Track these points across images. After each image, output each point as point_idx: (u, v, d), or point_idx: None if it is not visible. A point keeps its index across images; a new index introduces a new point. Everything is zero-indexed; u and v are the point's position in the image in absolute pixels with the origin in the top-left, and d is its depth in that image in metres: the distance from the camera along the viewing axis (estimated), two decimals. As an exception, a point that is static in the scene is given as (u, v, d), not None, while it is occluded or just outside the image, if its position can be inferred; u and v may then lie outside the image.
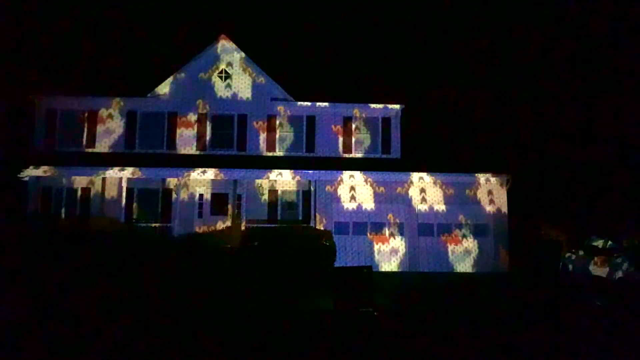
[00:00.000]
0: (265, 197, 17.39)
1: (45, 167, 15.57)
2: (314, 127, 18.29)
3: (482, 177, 16.91)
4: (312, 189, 16.87)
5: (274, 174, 16.23)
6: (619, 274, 12.87)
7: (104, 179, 16.77)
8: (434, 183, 16.86)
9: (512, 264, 16.61)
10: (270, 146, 18.06)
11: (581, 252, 14.71)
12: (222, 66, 18.33)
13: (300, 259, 12.45)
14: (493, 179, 16.95)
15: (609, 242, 14.30)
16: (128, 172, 15.83)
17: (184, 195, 17.13)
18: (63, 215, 16.54)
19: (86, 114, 17.66)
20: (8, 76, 20.08)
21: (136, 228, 16.04)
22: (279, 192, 17.55)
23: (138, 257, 12.39)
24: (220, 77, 18.27)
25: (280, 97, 18.31)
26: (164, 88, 18.04)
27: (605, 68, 23.46)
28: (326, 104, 18.29)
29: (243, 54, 18.33)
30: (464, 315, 9.43)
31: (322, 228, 16.10)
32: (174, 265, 12.35)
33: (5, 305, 9.34)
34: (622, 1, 23.70)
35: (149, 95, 17.90)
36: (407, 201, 16.76)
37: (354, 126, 18.44)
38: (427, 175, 16.74)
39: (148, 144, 17.69)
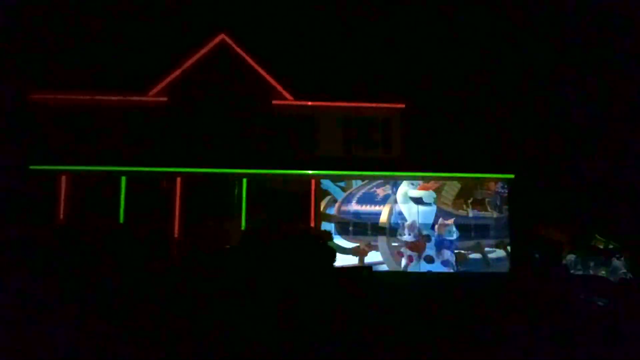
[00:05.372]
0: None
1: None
2: (315, 126, 18.30)
3: (482, 177, 16.91)
4: (312, 188, 16.86)
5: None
6: (619, 274, 12.88)
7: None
8: (435, 183, 16.85)
9: (513, 264, 16.58)
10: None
11: (582, 253, 14.71)
12: (221, 65, 18.19)
13: (300, 259, 12.41)
14: (493, 179, 16.95)
15: (610, 242, 14.31)
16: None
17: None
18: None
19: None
20: None
21: None
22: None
23: None
24: (219, 76, 18.14)
25: (280, 96, 18.27)
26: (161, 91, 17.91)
27: (606, 68, 23.46)
28: (326, 103, 18.29)
29: (243, 53, 18.26)
30: (464, 315, 9.42)
31: (322, 228, 16.11)
32: None
33: None
34: (624, 3, 23.67)
35: (150, 95, 17.81)
36: (408, 201, 16.75)
37: (354, 126, 18.42)
38: (428, 175, 16.74)
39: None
